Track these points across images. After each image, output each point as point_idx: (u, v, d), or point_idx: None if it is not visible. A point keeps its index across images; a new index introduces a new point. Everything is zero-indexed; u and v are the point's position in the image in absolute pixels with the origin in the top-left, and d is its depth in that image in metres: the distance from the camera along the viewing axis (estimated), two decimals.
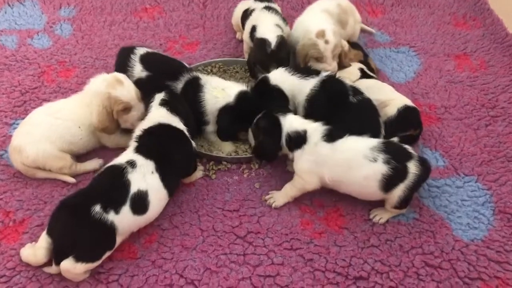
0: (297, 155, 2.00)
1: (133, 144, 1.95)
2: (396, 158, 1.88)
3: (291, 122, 2.03)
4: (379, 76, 2.75)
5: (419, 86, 2.75)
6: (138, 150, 1.90)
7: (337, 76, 2.26)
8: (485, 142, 2.41)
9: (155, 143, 1.94)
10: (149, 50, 2.47)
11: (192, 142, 2.05)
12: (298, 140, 1.98)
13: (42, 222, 1.96)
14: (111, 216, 1.72)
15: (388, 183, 1.89)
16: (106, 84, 2.11)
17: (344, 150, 1.92)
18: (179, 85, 2.33)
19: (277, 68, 2.38)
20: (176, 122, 2.04)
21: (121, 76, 2.18)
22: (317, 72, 2.26)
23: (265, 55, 2.45)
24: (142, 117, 2.12)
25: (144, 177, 1.83)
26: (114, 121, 2.15)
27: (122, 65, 2.40)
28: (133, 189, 1.79)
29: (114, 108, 2.10)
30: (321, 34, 2.39)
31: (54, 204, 2.01)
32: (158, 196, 1.87)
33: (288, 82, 2.24)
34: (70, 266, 1.67)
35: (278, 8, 2.84)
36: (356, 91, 2.20)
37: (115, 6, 3.31)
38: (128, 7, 3.32)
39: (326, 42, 2.38)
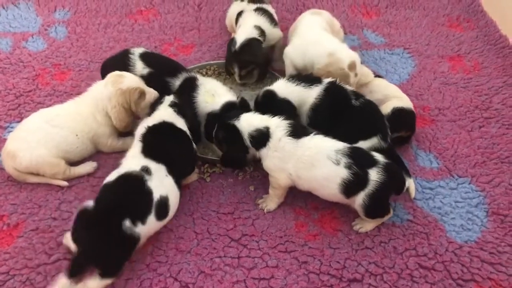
0: (263, 153, 1.99)
1: (138, 144, 1.94)
2: (358, 163, 1.85)
3: (248, 122, 2.00)
4: None
5: (413, 88, 2.76)
6: (146, 153, 1.89)
7: (337, 82, 2.23)
8: (479, 143, 2.42)
9: (160, 144, 1.94)
10: (147, 49, 2.50)
11: (193, 143, 2.06)
12: (262, 137, 1.97)
13: (37, 227, 1.95)
14: (139, 228, 1.71)
15: (348, 188, 1.86)
16: (111, 84, 2.13)
17: (309, 147, 1.91)
18: (177, 82, 2.35)
19: (239, 69, 2.48)
20: (180, 123, 2.04)
21: (117, 72, 2.20)
22: (318, 80, 2.23)
23: (229, 55, 2.51)
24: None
25: (162, 182, 1.83)
26: (132, 114, 2.19)
27: (120, 67, 2.38)
28: (156, 196, 1.78)
29: (131, 99, 2.13)
30: (353, 67, 2.32)
31: (49, 208, 2.03)
32: (175, 197, 1.88)
33: (294, 93, 2.20)
34: (98, 285, 1.68)
35: (271, 10, 2.85)
36: (358, 95, 2.19)
37: (110, 9, 3.31)
38: (123, 9, 3.32)
39: (356, 75, 2.34)
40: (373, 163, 1.87)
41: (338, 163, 1.85)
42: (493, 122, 2.54)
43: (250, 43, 2.50)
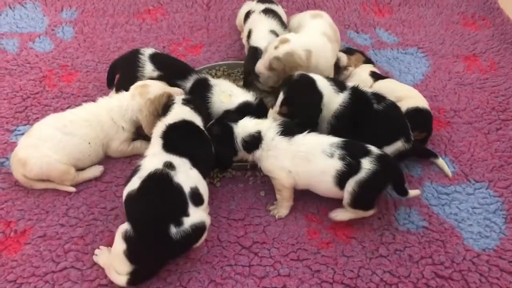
0: (258, 155, 1.98)
1: (158, 141, 1.89)
2: (351, 154, 1.86)
3: (244, 127, 2.00)
4: None
5: (427, 89, 2.69)
6: (168, 148, 1.85)
7: (359, 87, 2.17)
8: (496, 146, 2.35)
9: (183, 138, 1.90)
10: (157, 50, 2.45)
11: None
12: (254, 141, 1.97)
13: (45, 233, 1.92)
14: (186, 221, 1.70)
15: (342, 179, 1.86)
16: (138, 97, 2.13)
17: (304, 143, 1.92)
18: (188, 84, 2.32)
19: None
20: (198, 121, 2.00)
21: (140, 82, 2.20)
22: (344, 86, 2.16)
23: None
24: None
25: (188, 175, 1.80)
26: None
27: (130, 67, 2.35)
28: (187, 189, 1.75)
29: (160, 105, 2.10)
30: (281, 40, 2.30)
31: (56, 214, 2.00)
32: (204, 187, 1.84)
33: (327, 90, 2.12)
34: None
35: (280, 10, 2.79)
36: (380, 98, 2.14)
37: (117, 8, 3.27)
38: (131, 8, 3.27)
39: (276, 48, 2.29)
40: (366, 153, 1.87)
41: (332, 156, 1.87)
42: (510, 124, 2.47)
43: None
